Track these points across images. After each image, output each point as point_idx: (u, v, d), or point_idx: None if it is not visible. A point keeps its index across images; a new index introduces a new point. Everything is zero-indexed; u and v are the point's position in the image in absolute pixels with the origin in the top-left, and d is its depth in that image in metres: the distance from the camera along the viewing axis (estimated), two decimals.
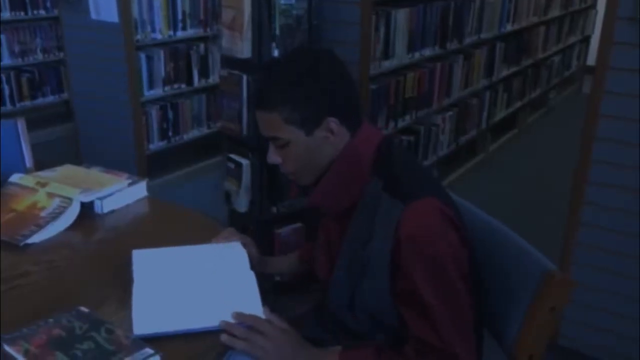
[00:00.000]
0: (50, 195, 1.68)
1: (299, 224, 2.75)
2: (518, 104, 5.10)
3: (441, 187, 1.33)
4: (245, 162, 2.61)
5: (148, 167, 3.73)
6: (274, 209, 2.68)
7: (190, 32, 3.94)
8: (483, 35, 4.02)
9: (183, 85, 4.03)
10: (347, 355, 1.24)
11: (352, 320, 1.29)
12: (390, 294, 1.22)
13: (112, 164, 1.97)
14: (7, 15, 4.49)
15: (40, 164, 1.95)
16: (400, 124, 3.35)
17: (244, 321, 1.19)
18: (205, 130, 4.27)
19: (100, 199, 1.70)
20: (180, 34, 3.88)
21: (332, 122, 1.26)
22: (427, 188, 1.27)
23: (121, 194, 1.75)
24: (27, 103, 4.78)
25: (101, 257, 1.50)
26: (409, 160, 1.40)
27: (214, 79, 4.14)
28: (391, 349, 1.24)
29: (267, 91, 1.27)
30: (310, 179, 1.32)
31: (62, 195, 1.67)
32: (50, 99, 4.93)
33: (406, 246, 1.17)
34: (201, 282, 1.32)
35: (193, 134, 4.20)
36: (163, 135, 3.96)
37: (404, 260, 1.18)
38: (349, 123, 1.28)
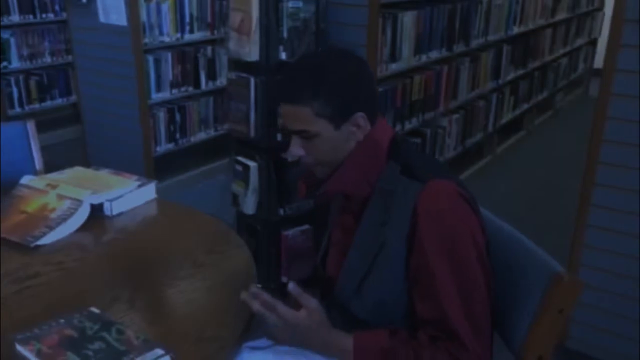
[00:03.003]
0: (61, 197, 1.70)
1: (306, 226, 2.76)
2: (525, 107, 5.09)
3: (456, 177, 1.34)
4: (252, 164, 2.62)
5: (155, 169, 3.73)
6: (281, 211, 2.68)
7: (198, 35, 3.96)
8: (490, 38, 4.02)
9: (190, 88, 4.04)
10: (361, 337, 1.22)
11: (358, 307, 1.29)
12: (404, 278, 1.22)
13: (120, 167, 1.98)
14: (16, 18, 4.52)
15: (49, 166, 1.97)
16: (407, 126, 3.34)
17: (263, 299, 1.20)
18: (212, 133, 4.28)
19: (110, 200, 1.71)
20: (188, 37, 3.89)
21: (360, 117, 1.28)
22: (444, 173, 1.30)
23: (130, 195, 1.76)
24: (36, 106, 4.80)
25: (111, 259, 1.51)
26: (422, 151, 1.42)
27: (221, 81, 4.15)
28: (405, 331, 1.23)
29: (299, 85, 1.28)
30: (328, 171, 1.33)
31: (72, 197, 1.68)
32: (58, 101, 4.95)
33: (423, 220, 1.18)
34: None
35: (200, 136, 4.21)
36: (170, 137, 3.97)
37: (419, 233, 1.19)
38: (372, 118, 1.31)
